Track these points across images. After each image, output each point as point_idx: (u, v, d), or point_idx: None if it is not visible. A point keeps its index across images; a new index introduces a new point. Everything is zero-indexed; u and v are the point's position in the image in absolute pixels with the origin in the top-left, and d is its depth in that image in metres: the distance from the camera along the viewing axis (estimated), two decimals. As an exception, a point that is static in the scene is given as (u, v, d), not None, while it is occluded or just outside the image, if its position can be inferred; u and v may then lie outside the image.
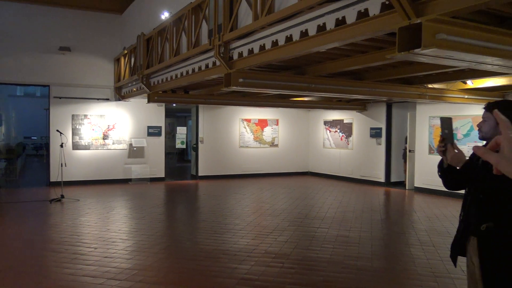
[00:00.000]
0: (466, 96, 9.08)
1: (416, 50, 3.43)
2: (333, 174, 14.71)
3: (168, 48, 8.60)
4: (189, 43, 7.48)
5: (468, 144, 10.15)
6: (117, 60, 12.85)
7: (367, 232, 7.08)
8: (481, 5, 3.37)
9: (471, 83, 8.59)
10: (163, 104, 13.27)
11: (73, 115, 12.56)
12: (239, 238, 6.57)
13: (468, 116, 10.29)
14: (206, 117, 14.29)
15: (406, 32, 3.49)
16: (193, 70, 7.62)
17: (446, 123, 2.50)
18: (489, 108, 2.46)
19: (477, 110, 10.09)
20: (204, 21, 6.99)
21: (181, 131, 15.26)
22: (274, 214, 8.45)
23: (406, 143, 12.24)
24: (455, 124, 10.20)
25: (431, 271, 5.13)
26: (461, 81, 8.43)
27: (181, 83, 8.69)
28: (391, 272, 5.20)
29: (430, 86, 8.79)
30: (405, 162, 12.33)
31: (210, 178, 14.12)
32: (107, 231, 6.96)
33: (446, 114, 10.79)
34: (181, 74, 8.16)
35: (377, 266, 5.37)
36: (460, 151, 2.47)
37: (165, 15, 8.95)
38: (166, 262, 5.40)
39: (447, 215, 8.43)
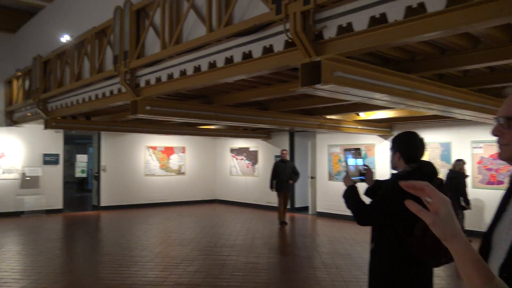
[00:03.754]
0: (359, 127, 9.91)
1: (317, 86, 3.73)
2: (240, 201, 14.89)
3: (68, 72, 8.21)
4: (92, 68, 7.22)
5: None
6: (9, 82, 11.88)
7: (275, 258, 7.26)
8: (371, 48, 3.80)
9: (363, 115, 9.43)
10: (61, 130, 12.47)
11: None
12: (147, 270, 6.34)
13: (362, 144, 11.19)
14: (109, 144, 13.70)
15: (307, 68, 3.77)
16: (97, 96, 7.35)
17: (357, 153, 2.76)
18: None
19: (369, 139, 11.05)
20: (108, 46, 6.82)
21: (82, 159, 14.42)
22: (182, 244, 8.30)
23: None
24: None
25: (333, 291, 5.42)
26: (355, 113, 9.22)
27: (82, 109, 8.31)
28: (297, 295, 5.39)
29: (328, 117, 9.45)
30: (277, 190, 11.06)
31: (114, 209, 13.45)
32: (-5, 272, 6.28)
33: (342, 143, 11.64)
34: (83, 99, 7.81)
35: (284, 290, 5.53)
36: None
37: (65, 38, 8.56)
38: (65, 301, 5.02)
39: (347, 237, 8.99)
